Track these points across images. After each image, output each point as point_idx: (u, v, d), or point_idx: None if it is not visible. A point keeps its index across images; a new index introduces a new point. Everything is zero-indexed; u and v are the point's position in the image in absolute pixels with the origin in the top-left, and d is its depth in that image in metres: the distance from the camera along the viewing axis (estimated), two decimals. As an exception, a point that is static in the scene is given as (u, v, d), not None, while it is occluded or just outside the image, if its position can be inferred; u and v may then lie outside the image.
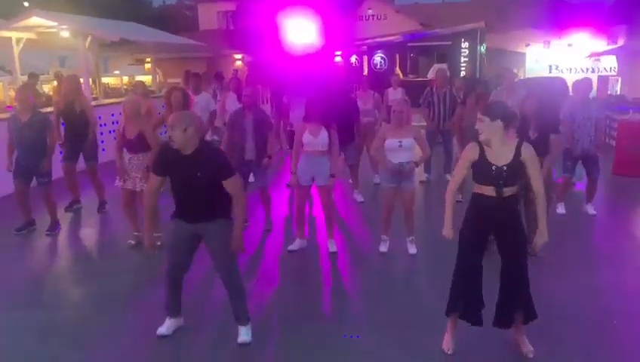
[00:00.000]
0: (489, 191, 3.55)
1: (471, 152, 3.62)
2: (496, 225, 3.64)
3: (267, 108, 9.83)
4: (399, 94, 9.97)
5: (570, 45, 18.28)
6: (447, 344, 3.85)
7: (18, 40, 11.24)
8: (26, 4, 20.36)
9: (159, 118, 6.80)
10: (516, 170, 3.53)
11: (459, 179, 3.76)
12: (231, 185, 3.78)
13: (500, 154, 3.53)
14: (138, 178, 5.85)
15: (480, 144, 3.60)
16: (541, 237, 3.67)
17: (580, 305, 4.63)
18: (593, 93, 12.74)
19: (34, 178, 6.51)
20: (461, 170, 3.71)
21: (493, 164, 3.52)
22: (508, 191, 3.54)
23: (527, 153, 3.53)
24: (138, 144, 5.81)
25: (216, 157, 3.86)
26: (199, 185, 3.74)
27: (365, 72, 20.88)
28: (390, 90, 10.28)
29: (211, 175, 3.73)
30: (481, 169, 3.57)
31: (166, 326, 4.14)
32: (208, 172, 3.72)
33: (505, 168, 3.51)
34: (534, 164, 3.56)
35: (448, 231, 3.78)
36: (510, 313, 3.73)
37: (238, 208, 3.86)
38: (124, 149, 5.94)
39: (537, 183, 3.60)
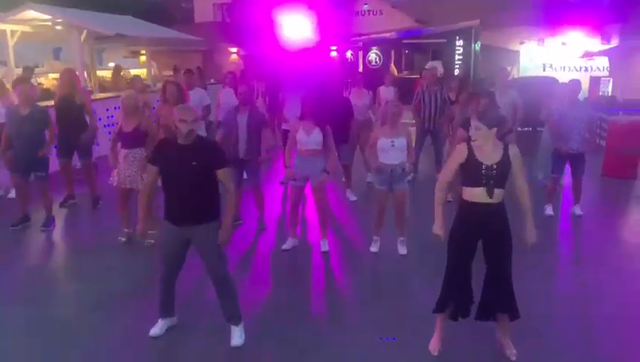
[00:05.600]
0: (479, 194, 3.64)
1: (460, 153, 3.71)
2: (484, 230, 3.73)
3: (262, 102, 9.79)
4: (391, 92, 10.04)
5: (564, 44, 18.34)
6: (434, 345, 3.96)
7: (13, 32, 11.22)
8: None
9: (156, 113, 6.86)
10: (505, 168, 3.64)
11: (447, 178, 3.83)
12: (223, 175, 3.90)
13: (490, 154, 3.63)
14: (134, 174, 5.89)
15: (469, 144, 3.69)
16: (531, 236, 3.78)
17: (564, 306, 4.75)
18: (585, 93, 12.89)
19: (31, 173, 6.53)
20: (450, 169, 3.79)
21: (483, 163, 3.61)
22: (498, 192, 3.63)
23: (514, 152, 3.67)
24: (134, 138, 5.86)
25: (212, 146, 4.06)
26: (192, 176, 3.80)
27: (360, 69, 20.91)
28: (382, 87, 10.31)
29: (206, 164, 3.83)
30: (471, 169, 3.65)
31: (159, 327, 4.22)
32: (203, 160, 3.82)
33: (495, 166, 3.60)
34: (519, 163, 3.69)
35: (439, 229, 3.87)
36: (491, 311, 3.86)
37: (229, 200, 3.94)
38: (119, 145, 5.99)
39: (522, 182, 3.72)
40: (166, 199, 3.98)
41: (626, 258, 5.88)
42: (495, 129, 3.62)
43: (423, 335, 4.07)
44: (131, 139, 5.85)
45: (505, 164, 3.63)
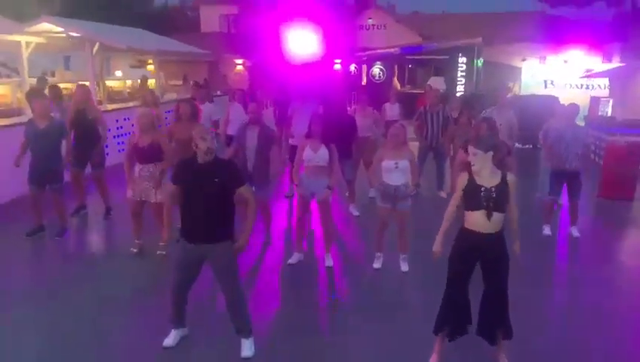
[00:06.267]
0: (479, 220, 3.88)
1: (462, 180, 4.00)
2: (482, 256, 3.97)
3: (270, 112, 9.94)
4: (396, 109, 10.29)
5: (565, 61, 18.65)
6: None
7: (27, 44, 11.50)
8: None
9: (167, 131, 7.09)
10: (504, 192, 3.90)
11: (454, 207, 4.10)
12: (245, 190, 4.19)
13: (488, 178, 3.91)
14: (148, 188, 6.10)
15: (469, 172, 3.97)
16: (515, 246, 4.12)
17: (558, 324, 4.96)
18: (585, 111, 13.11)
19: (46, 185, 6.75)
20: (457, 197, 4.08)
21: (482, 186, 3.88)
22: (497, 217, 3.87)
23: (512, 179, 3.97)
24: (149, 154, 6.06)
25: (229, 164, 4.34)
26: (211, 195, 4.03)
27: (364, 82, 21.22)
28: (387, 104, 10.55)
29: (226, 182, 4.07)
30: (471, 192, 3.92)
31: (172, 338, 4.42)
32: (223, 179, 4.06)
33: (494, 189, 3.87)
34: (514, 186, 3.98)
35: (438, 248, 4.14)
36: (490, 330, 4.10)
37: (249, 210, 4.21)
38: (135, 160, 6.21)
39: (513, 207, 4.01)
40: (182, 218, 4.20)
41: (622, 278, 6.10)
42: (491, 153, 3.90)
43: (423, 351, 4.26)
44: (146, 154, 6.07)
45: (503, 187, 3.89)
